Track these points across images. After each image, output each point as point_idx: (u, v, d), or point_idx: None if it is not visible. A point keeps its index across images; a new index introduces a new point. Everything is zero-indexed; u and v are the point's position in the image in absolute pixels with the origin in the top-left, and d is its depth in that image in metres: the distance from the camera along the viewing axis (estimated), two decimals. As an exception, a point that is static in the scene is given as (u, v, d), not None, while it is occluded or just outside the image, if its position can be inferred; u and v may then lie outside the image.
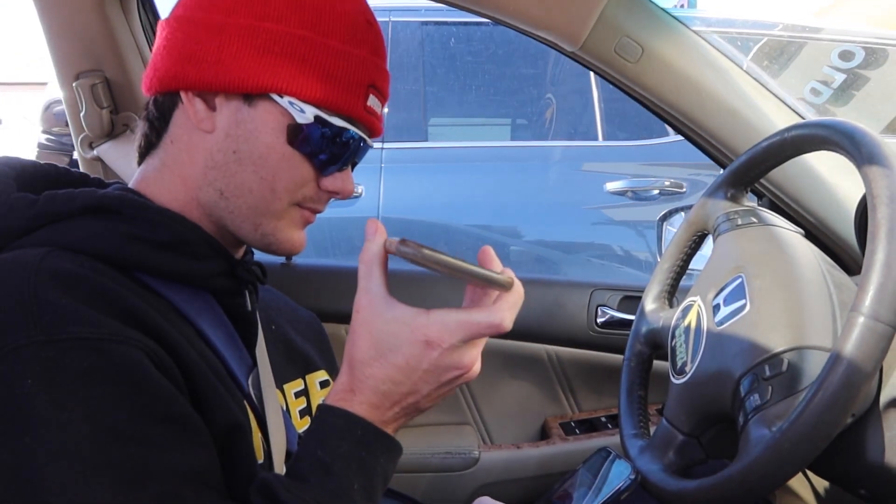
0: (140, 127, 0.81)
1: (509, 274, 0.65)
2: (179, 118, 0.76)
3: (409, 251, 0.59)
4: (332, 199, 0.81)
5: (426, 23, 2.80)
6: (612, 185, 2.74)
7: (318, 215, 0.82)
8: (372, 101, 0.78)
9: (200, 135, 0.75)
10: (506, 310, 0.64)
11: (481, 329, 0.64)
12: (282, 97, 0.73)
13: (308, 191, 0.78)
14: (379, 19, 0.83)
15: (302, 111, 0.73)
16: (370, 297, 0.65)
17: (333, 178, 0.78)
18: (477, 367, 0.67)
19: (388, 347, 0.64)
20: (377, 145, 2.71)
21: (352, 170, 0.82)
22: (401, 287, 0.67)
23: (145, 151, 0.80)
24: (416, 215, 2.75)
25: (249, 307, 0.80)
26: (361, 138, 0.78)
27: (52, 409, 0.56)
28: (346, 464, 0.64)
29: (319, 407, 0.67)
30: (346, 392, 0.66)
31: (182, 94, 0.75)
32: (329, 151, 0.76)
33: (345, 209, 2.66)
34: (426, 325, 0.63)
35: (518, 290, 0.66)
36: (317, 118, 0.74)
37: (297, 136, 0.74)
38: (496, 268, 0.66)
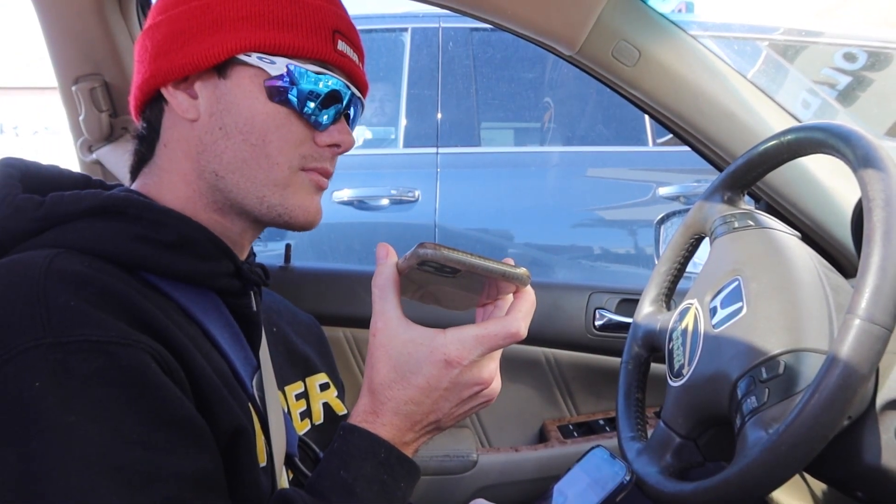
0: (132, 145, 0.82)
1: (525, 270, 0.65)
2: (168, 121, 0.78)
3: (429, 252, 0.60)
4: (338, 155, 0.81)
5: (476, 29, 2.83)
6: (664, 191, 2.76)
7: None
8: (343, 47, 0.78)
9: (189, 126, 0.76)
10: (520, 318, 0.66)
11: (499, 340, 0.65)
12: (249, 55, 0.74)
13: (306, 150, 0.77)
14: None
15: (272, 62, 0.74)
16: (386, 320, 0.65)
17: (329, 131, 0.78)
18: (497, 382, 0.68)
19: (409, 369, 0.65)
20: (431, 150, 2.75)
21: (348, 123, 0.81)
22: (414, 309, 0.68)
23: (137, 167, 0.81)
24: (471, 219, 2.80)
25: (254, 308, 0.80)
26: (345, 85, 0.78)
27: (59, 412, 0.56)
28: (367, 485, 0.65)
29: (342, 426, 0.68)
30: (369, 414, 0.67)
31: (163, 92, 0.76)
32: (313, 100, 0.75)
33: (403, 213, 2.69)
34: (444, 345, 0.64)
35: (530, 296, 0.67)
36: (289, 67, 0.74)
37: (276, 91, 0.74)
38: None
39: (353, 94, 0.80)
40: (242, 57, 0.74)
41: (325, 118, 0.77)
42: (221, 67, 0.75)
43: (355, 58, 0.80)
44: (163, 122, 0.78)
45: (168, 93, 0.76)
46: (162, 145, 0.78)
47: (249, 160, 0.75)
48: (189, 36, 0.74)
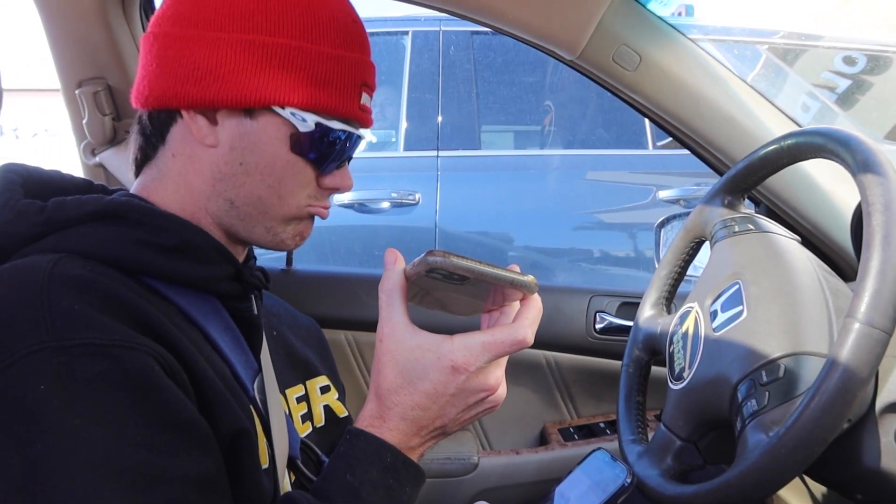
0: (134, 140, 0.81)
1: (532, 277, 0.66)
2: (178, 133, 0.77)
3: (438, 259, 0.60)
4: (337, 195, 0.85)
5: (477, 32, 2.83)
6: (664, 194, 2.77)
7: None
8: (364, 99, 0.80)
9: (203, 148, 0.76)
10: (527, 326, 0.66)
11: (505, 347, 0.65)
12: (283, 108, 0.74)
13: (311, 190, 0.80)
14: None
15: (304, 120, 0.75)
16: (393, 326, 0.66)
17: (332, 175, 0.81)
18: (503, 388, 0.69)
19: (416, 375, 0.65)
20: (432, 153, 2.77)
21: (348, 163, 0.84)
22: (420, 315, 0.68)
23: (142, 163, 0.81)
24: (471, 222, 2.80)
25: (255, 312, 0.81)
26: (358, 136, 0.80)
27: (64, 415, 0.56)
28: (373, 489, 0.65)
29: (349, 431, 0.68)
30: (376, 419, 0.67)
31: (183, 112, 0.75)
32: (329, 154, 0.78)
33: (403, 216, 2.69)
34: (451, 351, 0.65)
35: (537, 304, 0.68)
36: (317, 125, 0.75)
37: (299, 144, 0.76)
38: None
39: (358, 140, 0.82)
40: (276, 108, 0.74)
41: (332, 166, 0.80)
42: (251, 109, 0.75)
43: (370, 103, 0.82)
44: (172, 132, 0.77)
45: (189, 115, 0.75)
46: (169, 154, 0.78)
47: (264, 198, 0.77)
48: (227, 70, 0.73)
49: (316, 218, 0.83)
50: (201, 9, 0.74)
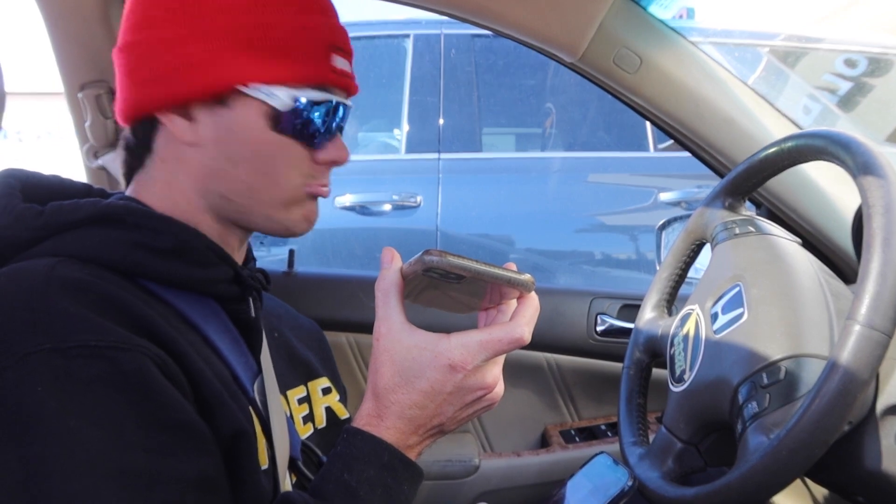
0: (120, 156, 0.81)
1: (529, 276, 0.66)
2: (163, 139, 0.77)
3: (435, 259, 0.60)
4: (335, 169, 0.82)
5: (478, 35, 2.83)
6: (665, 196, 2.77)
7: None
8: (337, 62, 0.78)
9: (189, 148, 0.76)
10: (524, 324, 0.66)
11: (503, 346, 0.65)
12: (248, 87, 0.73)
13: (306, 168, 0.78)
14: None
15: (273, 95, 0.74)
16: (389, 325, 0.66)
17: (326, 149, 0.79)
18: (500, 387, 0.69)
19: (413, 374, 0.65)
20: (433, 156, 2.77)
21: (340, 134, 0.82)
22: (416, 313, 0.68)
23: (130, 175, 0.81)
24: (472, 224, 2.81)
25: (253, 314, 0.81)
26: (341, 103, 0.78)
27: (61, 417, 0.57)
28: (371, 488, 0.65)
29: (346, 430, 0.68)
30: (373, 417, 0.67)
31: (158, 116, 0.75)
32: (313, 125, 0.76)
33: (405, 219, 2.70)
34: (449, 350, 0.64)
35: (534, 302, 0.68)
36: (290, 98, 0.74)
37: (278, 120, 0.75)
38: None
39: (346, 108, 0.80)
40: (243, 88, 0.73)
41: (322, 139, 0.78)
42: (222, 97, 0.74)
43: (349, 68, 0.80)
44: (156, 139, 0.77)
45: (165, 117, 0.75)
46: (158, 160, 0.78)
47: (257, 186, 0.76)
48: (184, 63, 0.72)
49: (317, 220, 0.83)
50: (150, 9, 0.75)
